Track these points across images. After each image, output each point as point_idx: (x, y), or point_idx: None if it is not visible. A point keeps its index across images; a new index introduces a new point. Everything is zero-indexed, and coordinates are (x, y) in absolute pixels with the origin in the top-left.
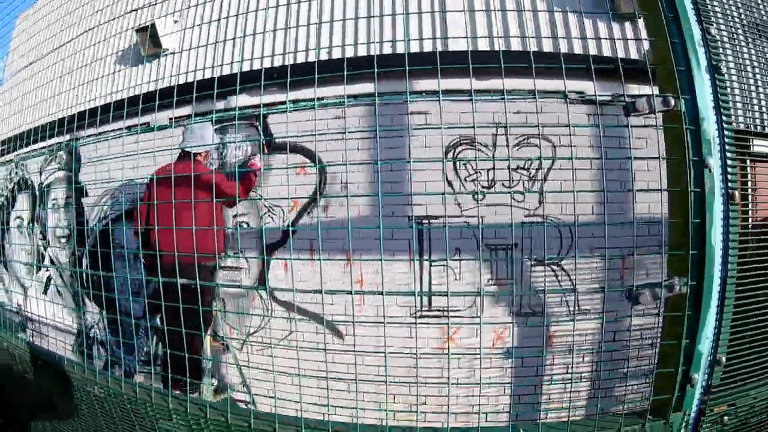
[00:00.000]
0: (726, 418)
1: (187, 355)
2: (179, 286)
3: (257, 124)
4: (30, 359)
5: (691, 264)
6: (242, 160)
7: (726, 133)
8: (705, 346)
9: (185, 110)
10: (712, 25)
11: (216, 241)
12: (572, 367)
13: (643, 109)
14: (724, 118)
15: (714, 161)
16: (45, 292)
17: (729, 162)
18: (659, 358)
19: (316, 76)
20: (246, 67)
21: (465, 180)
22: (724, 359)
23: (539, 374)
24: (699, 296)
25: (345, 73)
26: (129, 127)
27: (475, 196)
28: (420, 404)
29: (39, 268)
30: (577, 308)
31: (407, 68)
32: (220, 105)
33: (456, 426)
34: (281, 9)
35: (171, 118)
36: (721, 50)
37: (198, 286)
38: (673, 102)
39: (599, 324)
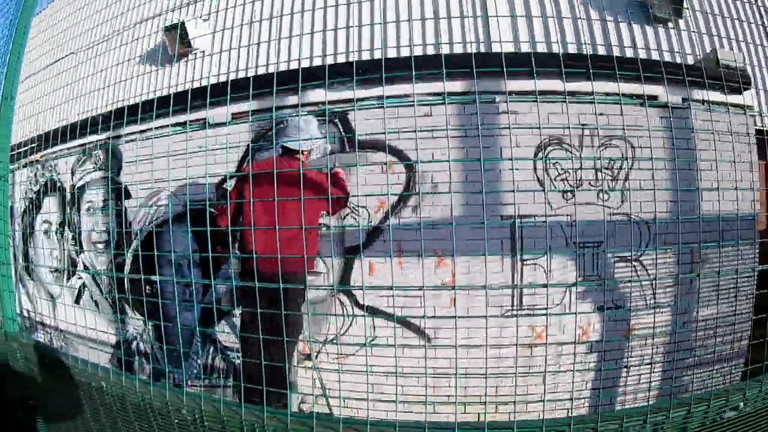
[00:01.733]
0: None
1: (281, 365)
2: (279, 293)
3: (336, 120)
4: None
5: None
6: (328, 164)
7: None
8: None
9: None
10: None
11: (317, 246)
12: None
13: None
14: None
15: None
16: (78, 300)
17: None
18: None
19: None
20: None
21: (555, 179)
22: None
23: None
24: None
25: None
26: (182, 124)
27: (565, 195)
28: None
29: (70, 275)
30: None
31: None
32: (294, 100)
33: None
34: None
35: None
36: None
37: (292, 293)
38: None
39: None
